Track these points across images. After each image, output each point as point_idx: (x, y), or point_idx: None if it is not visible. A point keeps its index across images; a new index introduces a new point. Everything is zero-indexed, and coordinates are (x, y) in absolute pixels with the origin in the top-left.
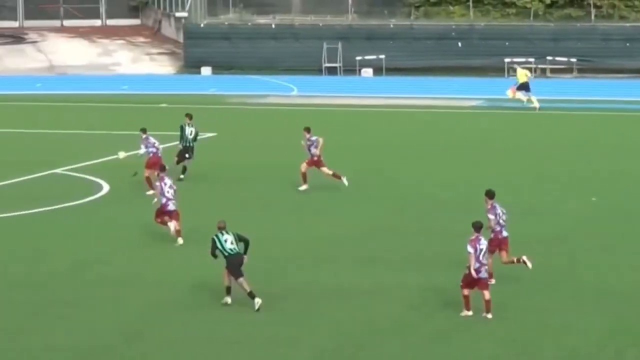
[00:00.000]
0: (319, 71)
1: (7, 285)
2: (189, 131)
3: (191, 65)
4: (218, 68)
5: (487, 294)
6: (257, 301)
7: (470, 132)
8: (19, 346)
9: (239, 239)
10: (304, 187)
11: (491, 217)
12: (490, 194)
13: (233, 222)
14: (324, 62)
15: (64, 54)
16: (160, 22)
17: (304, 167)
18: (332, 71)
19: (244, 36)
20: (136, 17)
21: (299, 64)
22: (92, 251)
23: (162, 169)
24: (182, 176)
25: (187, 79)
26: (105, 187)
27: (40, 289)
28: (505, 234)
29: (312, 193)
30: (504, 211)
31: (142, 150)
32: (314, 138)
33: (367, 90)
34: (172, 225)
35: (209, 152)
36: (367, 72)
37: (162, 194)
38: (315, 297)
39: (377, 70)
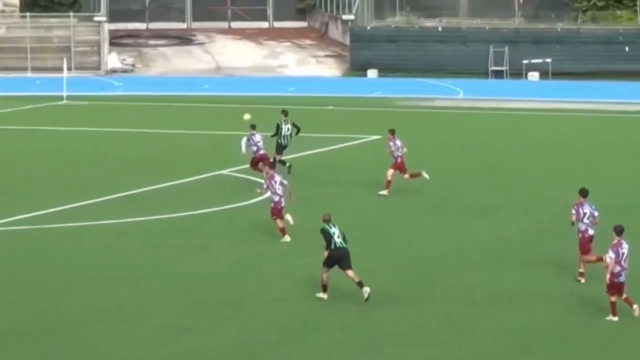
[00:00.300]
0: (485, 74)
1: (174, 285)
2: (286, 128)
3: (357, 68)
4: (384, 71)
5: (623, 295)
6: (366, 290)
7: (636, 137)
8: (184, 345)
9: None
10: (384, 192)
11: (572, 211)
12: (583, 192)
13: (395, 224)
14: (490, 66)
15: (231, 55)
16: (327, 24)
17: (391, 172)
18: (498, 74)
19: (411, 39)
20: (303, 19)
21: (465, 67)
22: (258, 251)
23: (272, 166)
24: (288, 164)
25: (353, 82)
26: None
27: (207, 288)
28: (591, 232)
29: (474, 195)
30: (594, 212)
31: (243, 147)
32: (398, 143)
33: (534, 94)
34: (290, 217)
35: (374, 155)
36: (534, 75)
37: (274, 191)
38: (480, 300)
39: (544, 74)
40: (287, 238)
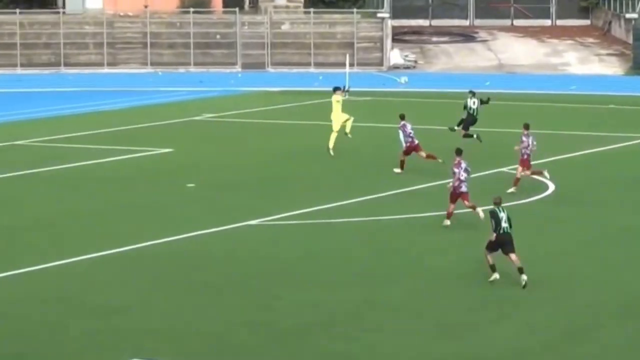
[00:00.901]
0: None
1: (449, 283)
2: (472, 102)
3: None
4: None
5: None
6: (524, 278)
7: None
8: (463, 345)
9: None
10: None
11: None
12: None
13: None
14: None
15: (513, 52)
16: (609, 22)
17: (520, 170)
18: None
19: None
20: (586, 17)
21: None
22: (534, 250)
23: (458, 152)
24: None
25: (636, 81)
26: (551, 187)
27: (485, 286)
28: None
29: None
30: None
31: (401, 136)
32: (530, 138)
33: None
34: (480, 211)
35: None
36: None
37: (458, 176)
38: None
39: None
40: (447, 222)
